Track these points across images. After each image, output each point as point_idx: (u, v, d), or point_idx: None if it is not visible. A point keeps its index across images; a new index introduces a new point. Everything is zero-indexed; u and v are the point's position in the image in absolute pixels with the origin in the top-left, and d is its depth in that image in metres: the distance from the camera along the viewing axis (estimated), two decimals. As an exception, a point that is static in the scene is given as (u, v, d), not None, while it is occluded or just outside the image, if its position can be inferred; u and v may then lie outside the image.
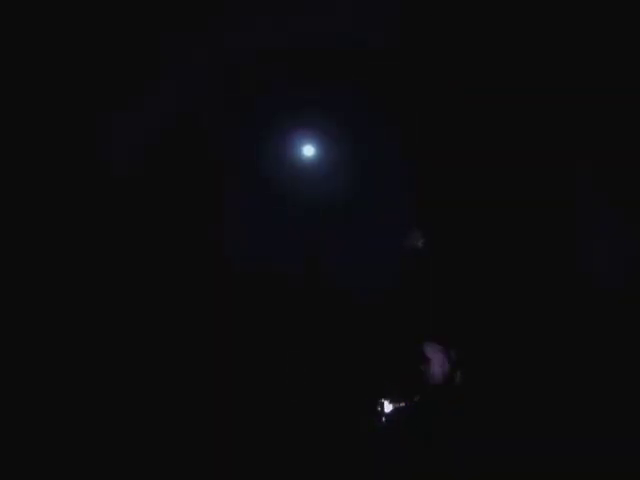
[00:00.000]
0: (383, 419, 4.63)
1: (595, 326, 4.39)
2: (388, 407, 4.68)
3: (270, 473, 4.18)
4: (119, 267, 4.83)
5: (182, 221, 5.06)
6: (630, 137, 4.39)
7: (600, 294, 4.48)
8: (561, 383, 4.27)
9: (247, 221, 5.19)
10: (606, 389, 4.16)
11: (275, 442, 4.33)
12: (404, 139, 5.09)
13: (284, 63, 4.93)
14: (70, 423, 4.24)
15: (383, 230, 5.18)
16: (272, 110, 5.13)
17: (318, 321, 4.94)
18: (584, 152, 4.60)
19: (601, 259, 4.52)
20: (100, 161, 4.87)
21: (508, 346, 4.55)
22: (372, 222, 5.21)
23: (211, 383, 4.60)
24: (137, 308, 4.75)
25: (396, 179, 5.21)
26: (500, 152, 4.88)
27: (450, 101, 4.91)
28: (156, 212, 5.01)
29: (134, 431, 4.29)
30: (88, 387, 4.40)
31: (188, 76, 4.91)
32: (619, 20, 4.22)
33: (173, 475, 4.19)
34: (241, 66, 4.96)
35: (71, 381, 4.38)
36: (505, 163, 4.86)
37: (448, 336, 4.76)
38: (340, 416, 4.52)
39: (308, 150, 5.28)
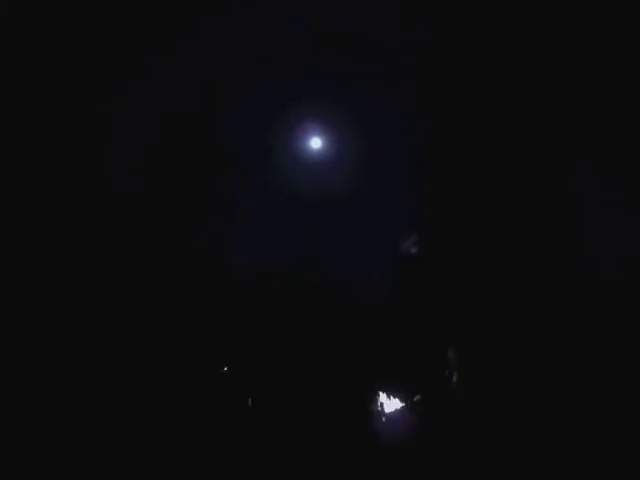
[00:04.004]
0: (383, 419, 4.64)
1: (594, 323, 4.39)
2: (388, 407, 4.69)
3: (270, 473, 4.17)
4: (120, 264, 4.83)
5: (184, 216, 5.06)
6: (629, 136, 4.39)
7: (600, 292, 4.48)
8: (561, 380, 4.27)
9: (253, 214, 5.17)
10: (606, 386, 4.15)
11: (275, 442, 4.33)
12: (410, 135, 5.08)
13: (289, 58, 4.92)
14: (70, 423, 4.24)
15: (385, 226, 5.17)
16: (279, 104, 5.11)
17: (318, 318, 4.94)
18: (583, 150, 4.61)
19: (601, 255, 4.53)
20: (101, 161, 4.86)
21: (507, 345, 4.55)
22: (375, 218, 5.20)
23: (211, 382, 4.60)
24: (138, 303, 4.75)
25: (400, 175, 5.20)
26: (501, 151, 4.88)
27: (454, 100, 4.90)
28: (158, 208, 5.00)
29: (134, 431, 4.29)
30: (89, 387, 4.40)
31: (191, 71, 4.90)
32: (618, 21, 4.22)
33: (173, 475, 4.19)
34: (245, 62, 4.96)
35: (71, 381, 4.38)
36: (505, 162, 4.86)
37: (448, 336, 4.77)
38: (340, 415, 4.52)
39: (315, 143, 5.29)
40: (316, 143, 5.35)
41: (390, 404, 4.70)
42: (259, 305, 4.98)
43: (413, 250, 5.15)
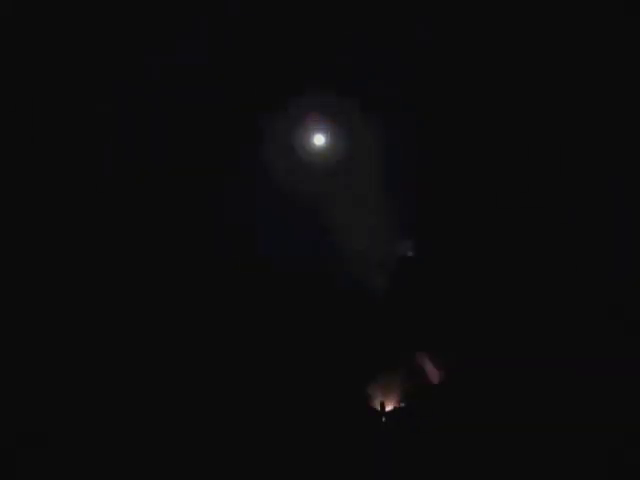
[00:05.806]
0: (383, 419, 4.66)
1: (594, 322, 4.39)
2: (388, 407, 4.71)
3: (270, 473, 4.19)
4: (120, 264, 4.83)
5: (184, 216, 5.06)
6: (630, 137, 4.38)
7: (600, 292, 4.48)
8: (558, 384, 4.28)
9: (253, 212, 5.17)
10: (605, 390, 4.16)
11: (275, 442, 4.34)
12: (411, 134, 5.07)
13: (291, 57, 4.90)
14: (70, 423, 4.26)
15: (386, 225, 5.17)
16: (283, 100, 5.08)
17: (318, 317, 4.94)
18: (584, 152, 4.60)
19: (601, 256, 4.53)
20: (101, 161, 4.87)
21: (503, 348, 4.55)
22: (375, 216, 5.19)
23: (211, 381, 4.61)
24: (138, 303, 4.76)
25: (401, 174, 5.19)
26: (500, 151, 4.87)
27: (454, 99, 4.89)
28: (158, 208, 5.00)
29: (134, 431, 4.31)
30: (89, 387, 4.43)
31: (191, 69, 4.88)
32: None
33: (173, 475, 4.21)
34: (246, 60, 4.94)
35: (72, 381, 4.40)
36: (505, 162, 4.85)
37: (443, 339, 4.77)
38: (340, 416, 4.53)
39: (318, 139, 5.26)
40: (319, 140, 5.33)
41: (390, 403, 4.72)
42: (259, 304, 4.99)
43: (412, 250, 5.15)
